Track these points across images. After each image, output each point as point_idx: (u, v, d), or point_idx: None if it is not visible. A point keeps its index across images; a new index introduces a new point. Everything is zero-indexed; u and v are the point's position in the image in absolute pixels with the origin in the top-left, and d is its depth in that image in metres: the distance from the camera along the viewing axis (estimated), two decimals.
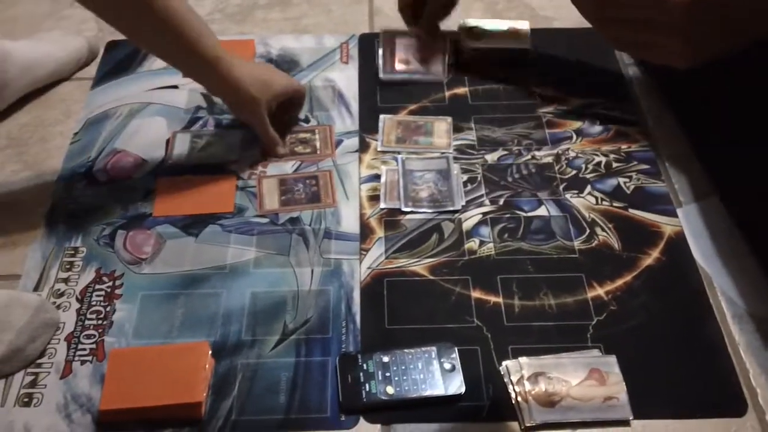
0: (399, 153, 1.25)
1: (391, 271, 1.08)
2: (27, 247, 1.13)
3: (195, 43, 1.09)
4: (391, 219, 1.15)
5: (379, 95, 1.35)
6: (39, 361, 0.99)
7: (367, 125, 1.30)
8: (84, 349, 1.00)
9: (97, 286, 1.07)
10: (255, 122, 1.22)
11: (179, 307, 1.05)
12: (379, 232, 1.13)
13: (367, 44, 1.46)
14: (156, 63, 1.42)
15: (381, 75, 1.39)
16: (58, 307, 1.05)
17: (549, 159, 1.23)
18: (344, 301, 1.05)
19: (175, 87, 1.37)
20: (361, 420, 0.94)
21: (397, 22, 1.49)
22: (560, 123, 1.29)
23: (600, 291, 1.06)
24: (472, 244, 1.11)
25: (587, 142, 1.25)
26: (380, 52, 1.41)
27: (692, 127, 1.25)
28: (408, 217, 1.15)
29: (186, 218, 1.15)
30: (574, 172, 1.21)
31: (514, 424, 0.93)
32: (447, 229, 1.14)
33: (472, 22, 1.43)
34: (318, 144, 1.25)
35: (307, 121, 1.31)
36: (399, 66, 1.41)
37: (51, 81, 1.37)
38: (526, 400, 0.93)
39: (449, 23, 1.48)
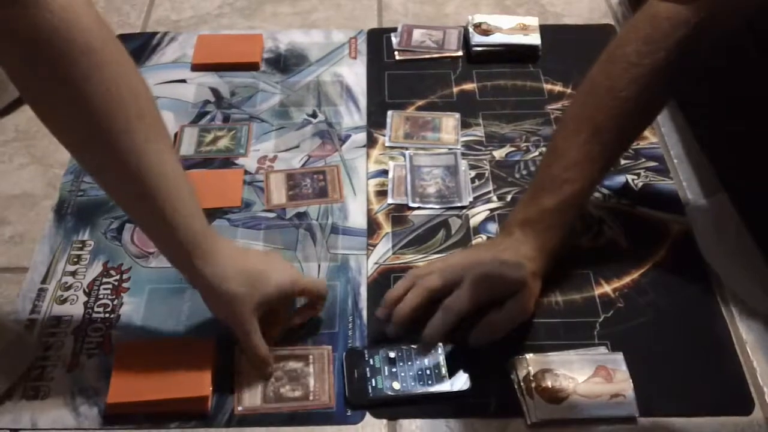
0: (407, 148, 1.25)
1: (398, 266, 1.08)
2: (35, 240, 1.13)
3: (170, 218, 0.86)
4: (398, 214, 1.15)
5: (387, 90, 1.35)
6: (46, 354, 0.99)
7: (375, 120, 1.30)
8: (91, 342, 1.01)
9: (105, 280, 1.08)
10: (234, 325, 0.94)
11: (186, 301, 1.05)
12: (386, 228, 1.14)
13: (376, 39, 1.46)
14: (164, 57, 1.42)
15: (396, 48, 1.43)
16: (65, 300, 1.05)
17: None
18: (351, 296, 1.05)
19: (183, 81, 1.38)
20: (368, 415, 0.94)
21: (405, 18, 1.50)
22: None
23: (607, 288, 1.06)
24: (480, 240, 1.11)
25: None
26: (398, 30, 1.46)
27: (700, 124, 1.25)
28: (415, 212, 1.16)
29: None
30: None
31: (520, 421, 0.93)
32: (454, 225, 1.14)
33: (481, 17, 1.44)
34: (312, 382, 0.96)
35: (314, 116, 1.31)
36: (415, 42, 1.44)
37: None
38: (533, 397, 0.93)
39: (458, 18, 1.49)
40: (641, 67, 0.97)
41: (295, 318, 1.01)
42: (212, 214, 1.15)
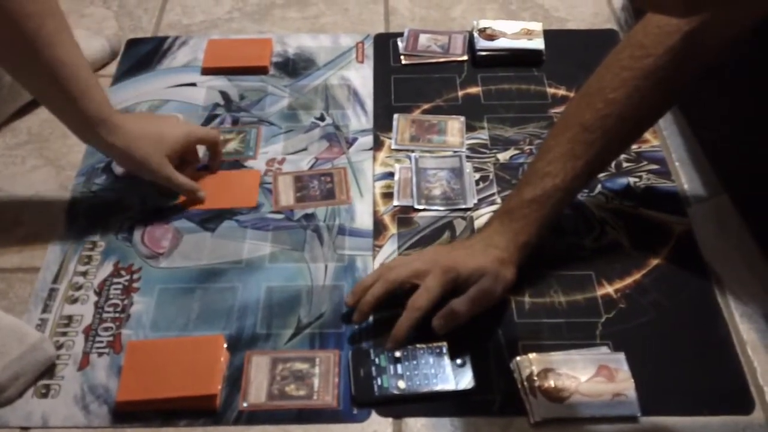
0: (412, 151, 1.26)
1: None
2: (47, 240, 1.14)
3: (79, 100, 1.03)
4: (404, 216, 1.17)
5: (393, 94, 1.37)
6: (57, 353, 1.00)
7: (382, 123, 1.31)
8: (101, 342, 1.02)
9: (115, 280, 1.09)
10: (153, 177, 1.14)
11: (196, 300, 1.07)
12: (392, 229, 1.15)
13: (383, 44, 1.47)
14: (175, 61, 1.44)
15: (402, 52, 1.44)
16: (76, 300, 1.07)
17: None
18: None
19: (194, 84, 1.39)
20: (373, 413, 0.95)
21: (412, 23, 1.51)
22: None
23: (609, 289, 1.07)
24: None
25: None
26: (404, 35, 1.47)
27: (702, 126, 1.26)
28: (421, 214, 1.17)
29: (203, 213, 1.17)
30: None
31: (523, 420, 0.94)
32: (459, 226, 1.15)
33: (486, 22, 1.45)
34: (317, 382, 0.98)
35: (322, 119, 1.32)
36: (421, 47, 1.45)
37: None
38: (535, 396, 0.94)
39: (464, 23, 1.50)
40: (630, 71, 0.98)
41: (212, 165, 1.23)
42: (221, 215, 1.17)
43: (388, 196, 1.20)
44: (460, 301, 0.98)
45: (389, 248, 1.12)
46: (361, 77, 1.41)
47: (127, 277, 1.09)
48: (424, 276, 0.99)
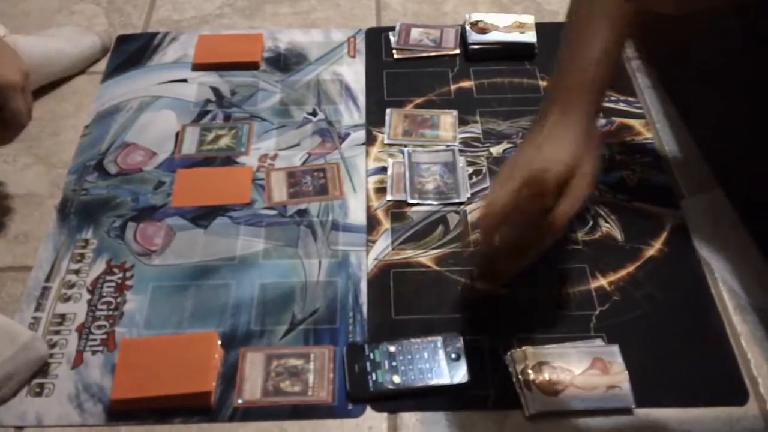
0: (405, 146, 1.26)
1: (398, 262, 1.10)
2: (39, 239, 1.14)
3: None
4: (397, 211, 1.17)
5: (386, 89, 1.36)
6: (50, 351, 1.00)
7: (374, 118, 1.31)
8: (95, 340, 1.02)
9: (108, 278, 1.09)
10: None
11: (189, 297, 1.06)
12: (386, 224, 1.15)
13: (374, 38, 1.47)
14: (165, 57, 1.43)
15: (394, 47, 1.44)
16: (69, 298, 1.06)
17: None
18: (351, 291, 1.07)
19: (185, 81, 1.39)
20: (368, 408, 0.95)
21: (404, 17, 1.51)
22: None
23: (603, 282, 1.07)
24: (478, 235, 1.12)
25: None
26: (396, 29, 1.47)
27: (695, 119, 1.26)
28: (414, 209, 1.17)
29: (196, 210, 1.17)
30: None
31: (518, 413, 0.94)
32: (452, 220, 1.15)
33: (478, 16, 1.45)
34: (312, 378, 0.98)
35: (314, 114, 1.32)
36: (413, 41, 1.45)
37: (63, 77, 1.38)
38: (530, 389, 0.94)
39: (456, 17, 1.50)
40: None
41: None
42: (214, 211, 1.16)
43: (381, 191, 1.19)
44: (562, 209, 0.95)
45: (383, 243, 1.12)
46: (353, 72, 1.40)
47: (120, 275, 1.09)
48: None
